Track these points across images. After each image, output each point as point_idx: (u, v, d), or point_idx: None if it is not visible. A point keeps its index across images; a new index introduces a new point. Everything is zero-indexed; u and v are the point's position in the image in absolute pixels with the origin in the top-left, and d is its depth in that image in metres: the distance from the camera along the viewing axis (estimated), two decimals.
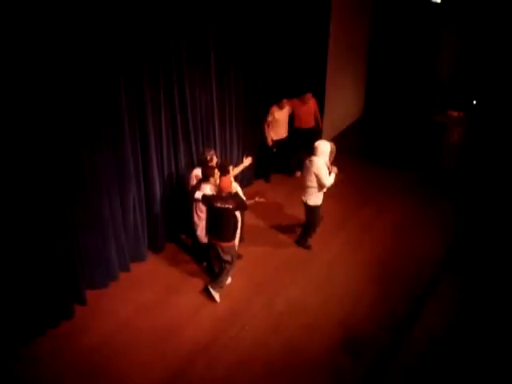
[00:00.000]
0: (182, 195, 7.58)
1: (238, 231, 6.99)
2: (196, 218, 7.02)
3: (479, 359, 5.91)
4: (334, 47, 10.20)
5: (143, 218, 7.31)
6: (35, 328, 6.05)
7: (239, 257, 7.28)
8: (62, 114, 5.66)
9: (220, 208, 6.39)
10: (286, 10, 8.79)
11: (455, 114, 10.25)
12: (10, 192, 5.36)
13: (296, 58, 9.37)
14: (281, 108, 9.16)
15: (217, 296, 6.75)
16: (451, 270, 7.41)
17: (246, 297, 6.85)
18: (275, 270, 7.37)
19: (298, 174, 9.68)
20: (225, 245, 6.59)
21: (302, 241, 7.88)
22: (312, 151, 7.29)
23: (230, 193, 6.47)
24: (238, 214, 6.83)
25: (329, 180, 7.23)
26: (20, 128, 5.26)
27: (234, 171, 7.34)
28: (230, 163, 7.78)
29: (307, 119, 9.55)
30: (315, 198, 7.42)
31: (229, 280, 6.97)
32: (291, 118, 9.52)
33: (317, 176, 7.20)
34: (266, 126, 9.25)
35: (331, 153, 7.27)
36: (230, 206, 6.39)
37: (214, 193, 6.61)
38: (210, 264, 7.21)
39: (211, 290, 6.76)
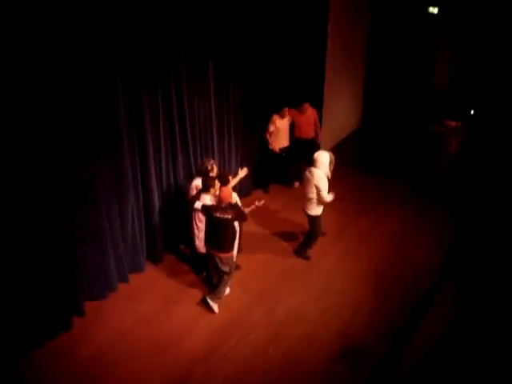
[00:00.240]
0: (180, 206, 7.60)
1: (237, 242, 7.01)
2: (195, 228, 7.04)
3: (478, 368, 5.91)
4: (332, 58, 10.28)
5: (142, 229, 7.32)
6: (33, 340, 6.05)
7: (237, 267, 7.29)
8: (61, 126, 5.69)
9: (219, 218, 6.41)
10: (283, 18, 8.83)
11: (453, 123, 10.27)
12: (9, 205, 5.38)
13: (294, 65, 9.40)
14: (282, 117, 9.15)
15: (215, 307, 6.75)
16: (449, 279, 7.42)
17: (244, 307, 6.85)
18: (274, 280, 7.38)
19: (297, 184, 9.72)
20: (223, 255, 6.60)
21: (301, 251, 7.89)
22: (312, 163, 7.32)
23: (229, 203, 6.49)
24: (236, 224, 6.85)
25: (328, 196, 7.28)
26: (19, 141, 5.29)
27: (231, 182, 7.36)
28: (229, 173, 7.80)
29: (307, 129, 9.52)
30: (317, 208, 7.46)
31: (227, 291, 6.97)
32: (291, 128, 9.50)
33: (317, 188, 7.24)
34: (267, 136, 9.22)
35: (330, 163, 7.30)
36: (230, 217, 6.40)
37: (214, 203, 6.64)
38: (208, 274, 7.22)
39: (209, 301, 6.76)
